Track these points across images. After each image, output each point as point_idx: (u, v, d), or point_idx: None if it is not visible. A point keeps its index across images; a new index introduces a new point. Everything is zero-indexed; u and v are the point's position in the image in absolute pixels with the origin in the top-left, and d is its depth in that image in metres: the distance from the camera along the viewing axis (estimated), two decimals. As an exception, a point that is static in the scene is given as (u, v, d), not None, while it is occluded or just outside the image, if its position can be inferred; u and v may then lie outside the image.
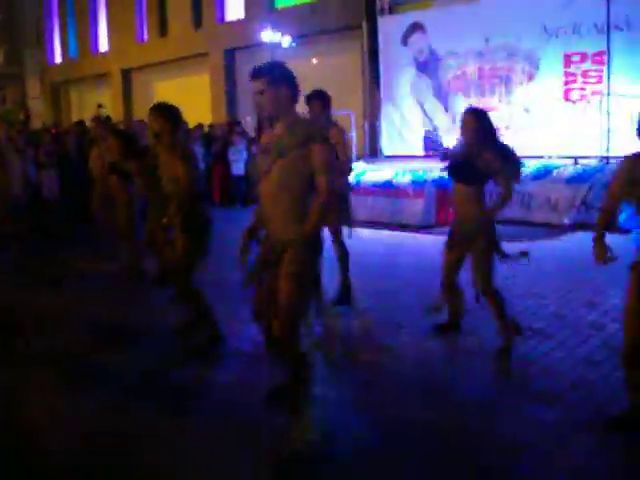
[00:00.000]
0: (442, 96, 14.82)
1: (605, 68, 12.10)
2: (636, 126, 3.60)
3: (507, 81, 13.74)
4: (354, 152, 14.59)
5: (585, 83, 12.56)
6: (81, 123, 14.09)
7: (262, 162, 3.63)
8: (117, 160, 7.50)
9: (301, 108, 6.37)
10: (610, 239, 3.85)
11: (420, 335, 5.51)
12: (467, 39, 13.94)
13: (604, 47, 12.04)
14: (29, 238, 10.07)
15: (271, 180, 3.54)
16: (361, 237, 9.09)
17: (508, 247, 5.08)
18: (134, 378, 4.85)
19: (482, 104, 13.16)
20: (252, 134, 15.45)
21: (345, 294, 6.46)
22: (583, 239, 9.30)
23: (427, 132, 15.12)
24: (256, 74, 3.57)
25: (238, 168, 14.64)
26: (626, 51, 11.84)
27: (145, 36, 26.11)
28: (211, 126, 16.89)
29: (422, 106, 15.23)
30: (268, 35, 18.67)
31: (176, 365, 5.05)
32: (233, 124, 16.36)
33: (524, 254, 4.98)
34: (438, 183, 10.86)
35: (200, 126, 15.83)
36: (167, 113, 5.19)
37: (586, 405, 4.12)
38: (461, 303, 5.43)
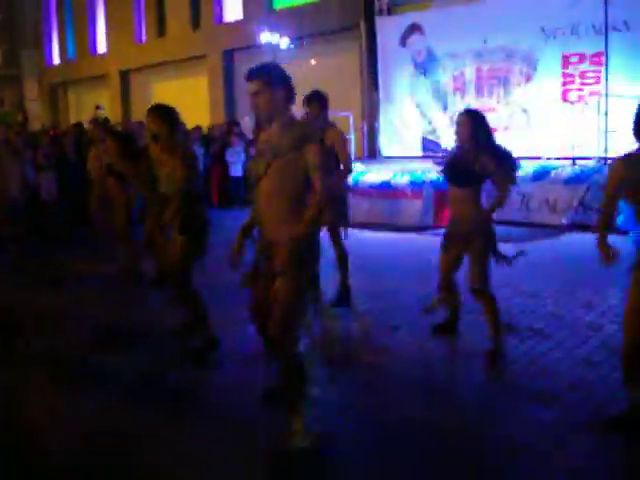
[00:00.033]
0: (440, 97, 14.84)
1: (603, 69, 12.12)
2: (633, 126, 3.60)
3: (505, 82, 13.76)
4: (352, 153, 14.58)
5: (583, 84, 12.58)
6: (79, 125, 14.08)
7: (255, 165, 3.64)
8: (115, 161, 7.51)
9: (299, 109, 6.40)
10: (609, 240, 3.85)
11: (419, 336, 5.51)
12: (465, 40, 13.95)
13: (602, 48, 12.06)
14: (27, 240, 10.07)
15: (267, 181, 3.54)
16: (359, 238, 9.11)
17: (505, 248, 5.08)
18: (133, 379, 4.85)
19: (480, 105, 13.20)
20: (250, 135, 15.45)
21: (344, 295, 6.47)
22: (581, 240, 9.36)
23: (425, 136, 15.12)
24: (251, 75, 3.57)
25: (236, 169, 14.65)
26: (624, 52, 11.86)
27: (143, 37, 26.10)
28: (211, 127, 16.89)
29: (420, 107, 15.25)
30: (266, 36, 18.67)
31: (174, 366, 5.05)
32: (231, 125, 16.35)
33: (519, 253, 4.99)
34: (436, 184, 10.86)
35: (198, 127, 15.82)
36: (165, 114, 5.19)
37: (584, 406, 4.12)
38: (458, 304, 5.44)
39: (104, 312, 6.64)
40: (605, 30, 11.95)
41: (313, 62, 19.74)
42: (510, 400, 4.30)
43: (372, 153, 16.54)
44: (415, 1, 15.48)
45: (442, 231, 5.32)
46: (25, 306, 6.85)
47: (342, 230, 6.35)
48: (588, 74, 12.47)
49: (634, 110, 3.63)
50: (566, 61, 12.74)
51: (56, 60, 31.50)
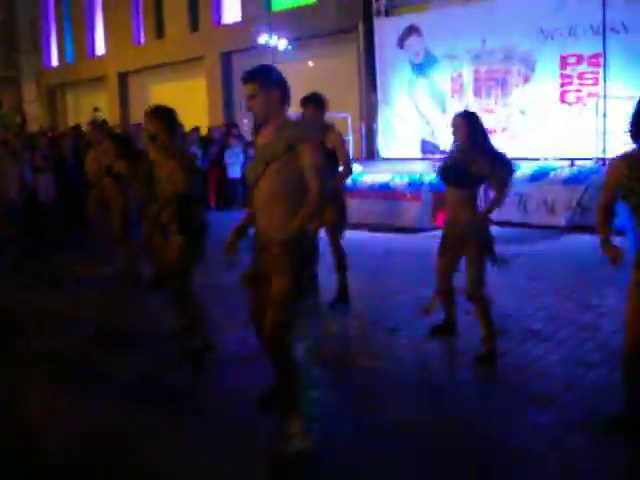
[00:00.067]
0: (438, 98, 14.85)
1: (601, 70, 12.14)
2: (629, 127, 3.60)
3: (503, 83, 13.77)
4: (351, 154, 14.58)
5: (581, 85, 12.59)
6: (77, 127, 14.11)
7: (253, 167, 3.64)
8: (113, 163, 7.52)
9: (296, 110, 6.41)
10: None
11: (417, 337, 5.52)
12: (463, 41, 13.96)
13: (600, 49, 12.08)
14: (25, 242, 10.07)
15: (264, 183, 3.55)
16: (358, 239, 9.12)
17: (500, 250, 5.07)
18: (132, 379, 4.85)
19: (478, 106, 13.21)
20: (249, 137, 15.46)
21: (342, 296, 6.47)
22: (579, 241, 9.38)
23: (424, 138, 15.13)
24: (247, 78, 3.58)
25: (234, 171, 14.66)
26: (622, 53, 11.87)
27: (142, 39, 26.10)
28: (210, 129, 16.90)
29: (418, 108, 15.26)
30: (265, 38, 18.68)
31: (173, 367, 5.05)
32: (230, 127, 16.36)
33: (503, 261, 4.98)
34: (435, 186, 10.87)
35: (196, 128, 15.84)
36: (163, 115, 5.19)
37: (582, 406, 4.13)
38: (455, 305, 5.45)
39: (102, 313, 6.65)
40: (603, 31, 11.97)
41: (311, 64, 19.76)
42: (508, 401, 4.30)
43: (370, 154, 16.54)
44: (413, 2, 15.49)
45: (440, 233, 5.32)
46: (24, 307, 6.85)
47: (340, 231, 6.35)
48: (586, 75, 12.48)
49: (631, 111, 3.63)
50: (564, 62, 12.75)
51: (54, 62, 31.48)
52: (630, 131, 3.55)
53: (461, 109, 5.88)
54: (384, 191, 11.77)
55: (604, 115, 11.72)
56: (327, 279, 6.50)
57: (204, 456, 3.69)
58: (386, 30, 15.77)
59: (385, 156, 15.97)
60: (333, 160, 6.01)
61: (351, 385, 4.71)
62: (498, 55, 13.68)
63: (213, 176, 15.01)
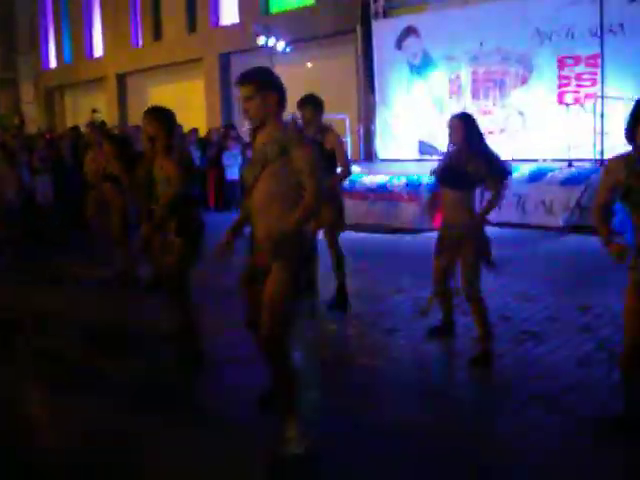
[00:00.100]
0: (436, 99, 14.86)
1: (599, 71, 12.15)
2: (625, 129, 3.60)
3: (501, 84, 13.79)
4: (349, 155, 14.57)
5: (579, 86, 12.62)
6: (76, 128, 14.09)
7: (249, 170, 3.64)
8: (111, 164, 7.53)
9: (294, 112, 6.41)
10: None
11: (415, 338, 5.52)
12: (461, 43, 13.98)
13: (598, 50, 12.10)
14: (23, 243, 10.05)
15: (260, 186, 3.54)
16: (356, 240, 9.12)
17: (497, 252, 5.06)
18: (132, 379, 4.86)
19: (476, 107, 13.23)
20: (247, 139, 15.44)
21: (341, 297, 6.46)
22: (577, 241, 9.38)
23: (421, 139, 15.14)
24: (243, 80, 3.57)
25: (233, 172, 14.63)
26: (620, 54, 11.90)
27: (140, 41, 26.10)
28: (209, 131, 16.89)
29: (416, 109, 15.26)
30: (263, 40, 18.68)
31: (171, 368, 5.05)
32: (228, 129, 16.35)
33: (492, 265, 4.98)
34: (433, 187, 10.86)
35: (195, 130, 15.83)
36: (161, 117, 5.18)
37: (581, 407, 4.13)
38: (452, 306, 5.45)
39: (102, 315, 6.64)
40: (601, 32, 11.99)
41: (309, 65, 19.76)
42: (507, 402, 4.30)
43: (368, 156, 16.55)
44: (411, 4, 15.51)
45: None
46: (23, 306, 6.86)
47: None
48: (584, 76, 12.50)
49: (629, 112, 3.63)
50: (562, 63, 12.78)
51: (53, 63, 31.46)
52: (625, 133, 3.55)
53: (459, 110, 5.89)
54: (382, 192, 11.77)
55: (602, 116, 11.73)
56: (325, 280, 6.50)
57: (203, 455, 3.69)
58: (384, 31, 15.79)
59: (383, 157, 15.99)
60: (332, 161, 6.02)
61: (350, 385, 4.70)
62: (496, 56, 13.71)
63: (212, 177, 15.00)
